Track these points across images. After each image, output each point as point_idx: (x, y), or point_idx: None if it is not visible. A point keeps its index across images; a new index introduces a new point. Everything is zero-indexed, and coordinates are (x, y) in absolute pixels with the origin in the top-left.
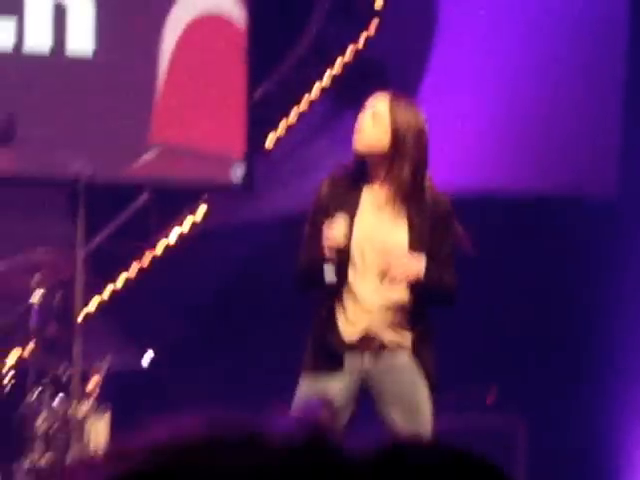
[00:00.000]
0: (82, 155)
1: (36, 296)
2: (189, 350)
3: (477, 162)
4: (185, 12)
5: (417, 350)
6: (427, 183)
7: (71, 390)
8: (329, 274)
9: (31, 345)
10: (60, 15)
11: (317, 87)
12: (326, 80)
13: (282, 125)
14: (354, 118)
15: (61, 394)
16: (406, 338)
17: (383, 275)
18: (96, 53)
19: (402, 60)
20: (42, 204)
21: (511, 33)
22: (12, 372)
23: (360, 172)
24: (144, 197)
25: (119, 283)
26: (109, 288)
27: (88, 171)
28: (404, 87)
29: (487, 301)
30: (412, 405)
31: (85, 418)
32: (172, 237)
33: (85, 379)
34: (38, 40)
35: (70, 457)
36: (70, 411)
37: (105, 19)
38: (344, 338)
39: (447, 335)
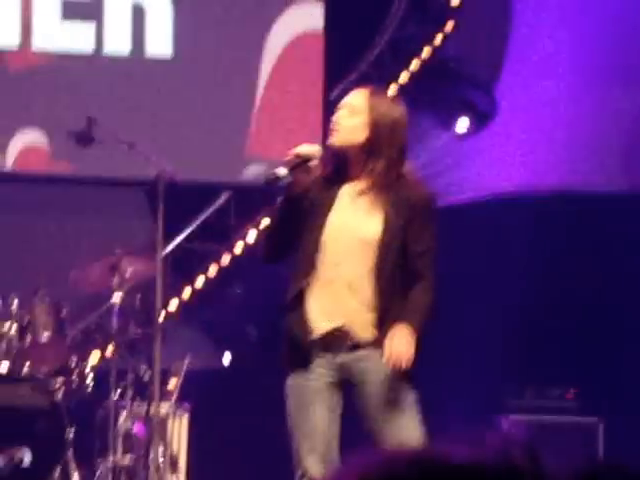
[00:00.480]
0: (162, 155)
1: (117, 297)
2: (267, 350)
3: (550, 161)
4: (283, 33)
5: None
6: (407, 176)
7: (152, 390)
8: (282, 171)
9: (112, 346)
10: (139, 18)
11: (394, 86)
12: (403, 79)
13: None
14: (431, 117)
15: (142, 394)
16: (375, 332)
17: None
18: (175, 55)
19: (477, 59)
20: (122, 205)
21: (592, 30)
22: (94, 372)
23: (338, 169)
24: (223, 198)
25: (199, 283)
26: (189, 288)
27: (168, 172)
28: (479, 86)
29: (565, 302)
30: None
31: (165, 418)
32: (250, 237)
33: (165, 379)
34: (117, 43)
35: (151, 456)
36: (151, 411)
37: (184, 23)
38: (313, 333)
39: (527, 338)
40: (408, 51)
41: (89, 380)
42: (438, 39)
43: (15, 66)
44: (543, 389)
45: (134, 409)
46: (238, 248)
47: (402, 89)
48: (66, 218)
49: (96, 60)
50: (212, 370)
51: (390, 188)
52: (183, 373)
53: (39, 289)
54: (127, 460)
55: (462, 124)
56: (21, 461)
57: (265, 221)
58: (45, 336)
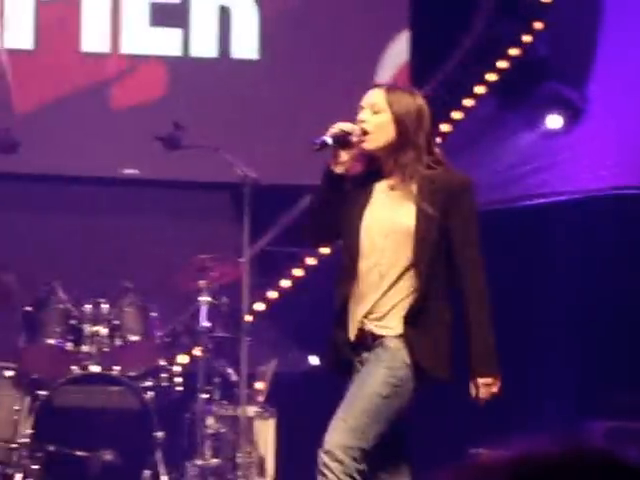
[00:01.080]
0: (247, 158)
1: (204, 299)
2: None
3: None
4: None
5: (408, 336)
6: (440, 163)
7: (239, 392)
8: (329, 139)
9: (200, 348)
10: (225, 20)
11: (482, 86)
12: (491, 78)
13: (447, 124)
14: (519, 117)
15: (229, 396)
16: (394, 325)
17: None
18: (261, 59)
19: (567, 58)
20: (208, 209)
21: None
22: (182, 375)
23: (370, 168)
24: (307, 200)
25: (284, 285)
26: (274, 290)
27: (253, 175)
28: (569, 83)
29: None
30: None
31: (253, 419)
32: None
33: (252, 381)
34: (204, 47)
35: (238, 458)
36: (238, 412)
37: (270, 27)
38: (351, 336)
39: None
40: (496, 50)
41: (177, 382)
42: (527, 37)
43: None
44: (634, 392)
45: (222, 411)
46: (323, 250)
47: (490, 88)
48: (153, 222)
49: (183, 63)
50: (298, 373)
51: (422, 177)
52: (270, 376)
53: (128, 292)
54: (215, 462)
55: (554, 121)
56: (111, 462)
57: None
58: (134, 338)
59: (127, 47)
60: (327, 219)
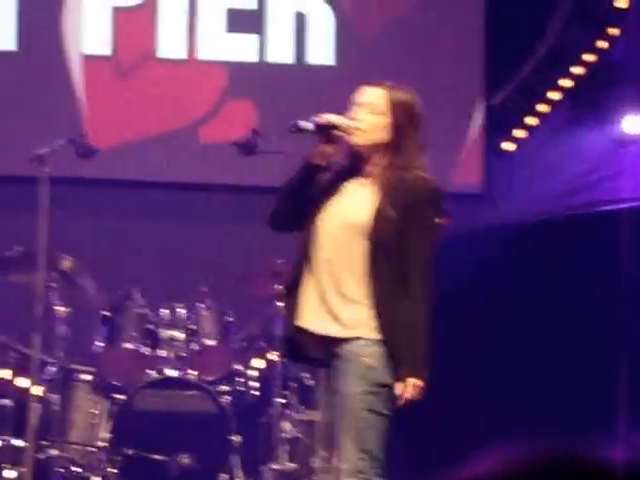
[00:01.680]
0: None
1: (279, 304)
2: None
3: None
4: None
5: (388, 338)
6: (417, 170)
7: (316, 396)
8: (309, 125)
9: (276, 352)
10: (301, 26)
11: (556, 91)
12: (565, 84)
13: (521, 130)
14: (594, 122)
15: (306, 401)
16: (360, 326)
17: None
18: (338, 63)
19: None
20: None
21: None
22: (258, 379)
23: (352, 164)
24: None
25: None
26: None
27: None
28: None
29: None
30: (338, 399)
31: (329, 424)
32: None
33: None
34: (281, 52)
35: (314, 462)
36: (315, 417)
37: (345, 30)
38: (305, 325)
39: None
40: (571, 56)
41: (253, 386)
42: (603, 43)
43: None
44: None
45: (298, 416)
46: None
47: (564, 94)
48: (230, 227)
49: (260, 69)
50: None
51: (394, 181)
52: None
53: (204, 297)
54: (291, 467)
55: (628, 127)
56: (188, 466)
57: None
58: (210, 343)
59: (203, 53)
60: (294, 206)
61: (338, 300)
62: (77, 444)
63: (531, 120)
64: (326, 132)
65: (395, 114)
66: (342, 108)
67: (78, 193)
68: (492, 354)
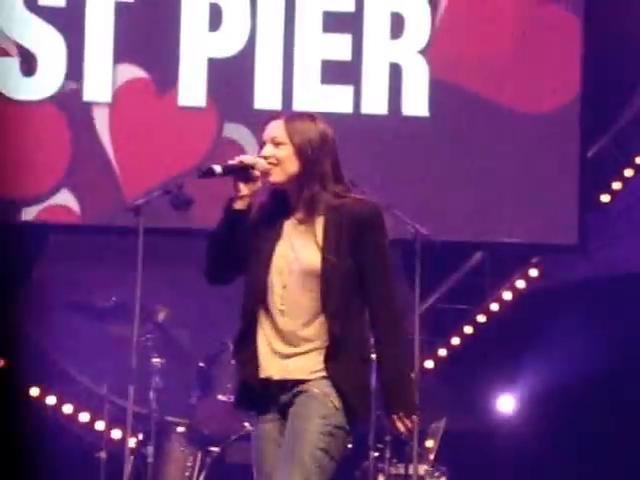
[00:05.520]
0: (419, 215)
1: (373, 356)
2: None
3: None
4: None
5: (333, 378)
6: (348, 192)
7: (409, 451)
8: (217, 168)
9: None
10: (396, 77)
11: None
12: None
13: (618, 182)
14: None
15: (400, 455)
16: (315, 367)
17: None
18: (432, 116)
19: None
20: None
21: None
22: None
23: (279, 203)
24: (477, 257)
25: (454, 342)
26: (444, 348)
27: (424, 231)
28: None
29: None
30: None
31: (423, 478)
32: (506, 295)
33: (423, 439)
34: (375, 104)
35: None
36: (409, 471)
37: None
38: (261, 373)
39: None
40: None
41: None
42: None
43: None
44: None
45: (392, 469)
46: (494, 305)
47: None
48: None
49: (354, 120)
50: (467, 432)
51: (330, 208)
52: (440, 434)
53: None
54: None
55: None
56: None
57: (519, 283)
58: None
59: (299, 104)
60: (226, 254)
61: (298, 344)
62: None
63: (628, 172)
64: (240, 174)
65: (294, 142)
66: (437, 158)
67: (171, 242)
68: None
